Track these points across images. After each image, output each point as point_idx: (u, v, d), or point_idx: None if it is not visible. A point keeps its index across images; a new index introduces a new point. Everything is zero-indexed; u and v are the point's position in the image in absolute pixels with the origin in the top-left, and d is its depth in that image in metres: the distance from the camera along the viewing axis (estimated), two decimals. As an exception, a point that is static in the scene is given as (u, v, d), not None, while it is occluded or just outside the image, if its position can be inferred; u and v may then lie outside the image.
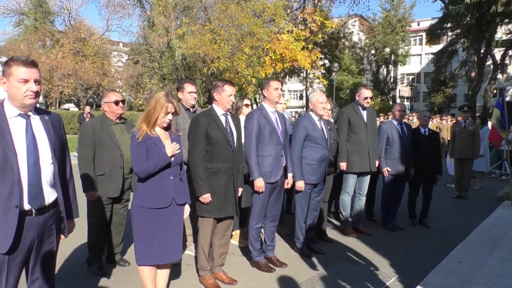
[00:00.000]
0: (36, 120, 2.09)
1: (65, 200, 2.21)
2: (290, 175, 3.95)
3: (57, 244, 2.23)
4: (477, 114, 12.98)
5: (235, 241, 4.62)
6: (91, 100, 36.70)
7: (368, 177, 5.13)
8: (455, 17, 26.58)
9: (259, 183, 3.62)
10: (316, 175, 4.17)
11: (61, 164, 2.18)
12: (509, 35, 27.92)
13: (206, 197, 3.24)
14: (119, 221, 3.79)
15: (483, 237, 4.53)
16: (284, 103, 5.35)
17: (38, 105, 2.16)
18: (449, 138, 9.70)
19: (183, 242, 3.84)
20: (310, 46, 22.88)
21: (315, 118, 4.23)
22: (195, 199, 3.29)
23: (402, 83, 47.94)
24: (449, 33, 31.88)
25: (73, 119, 20.66)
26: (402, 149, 5.28)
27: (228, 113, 3.46)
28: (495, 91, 29.92)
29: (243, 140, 3.67)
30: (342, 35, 28.91)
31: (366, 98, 4.95)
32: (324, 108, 4.23)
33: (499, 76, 33.01)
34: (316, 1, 24.43)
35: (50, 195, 2.10)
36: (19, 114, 2.02)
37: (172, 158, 2.78)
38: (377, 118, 10.44)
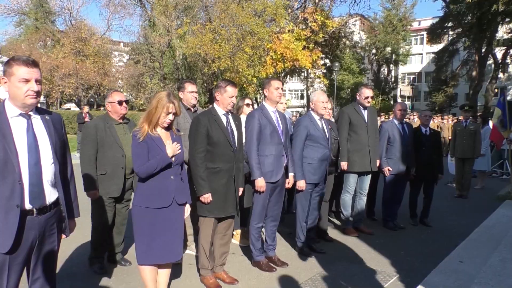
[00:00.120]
0: (37, 120, 2.09)
1: (66, 200, 2.22)
2: (291, 174, 3.95)
3: (58, 244, 2.23)
4: (478, 114, 12.95)
5: (236, 241, 4.62)
6: (92, 100, 36.72)
7: (369, 176, 5.13)
8: (456, 16, 26.57)
9: (260, 183, 3.62)
10: (317, 175, 4.17)
11: (62, 163, 2.18)
12: (510, 34, 27.87)
13: (207, 197, 3.24)
14: (120, 221, 3.80)
15: (484, 236, 4.52)
16: (285, 103, 5.35)
17: (39, 105, 2.16)
18: (450, 138, 9.69)
19: (184, 241, 3.84)
20: (311, 46, 22.88)
21: (316, 117, 4.23)
22: (196, 198, 3.29)
23: (403, 82, 47.90)
24: (450, 32, 31.88)
25: (74, 119, 20.67)
26: (403, 148, 5.28)
27: (229, 113, 3.46)
28: (496, 90, 29.89)
29: (244, 140, 3.67)
30: (343, 34, 28.89)
31: (367, 97, 4.95)
32: (325, 107, 4.22)
33: (500, 75, 32.96)
34: (317, 1, 24.42)
35: (51, 195, 2.10)
36: (20, 114, 2.02)
37: (173, 158, 2.78)
38: (378, 118, 10.45)
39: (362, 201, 5.18)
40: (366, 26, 40.35)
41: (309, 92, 29.53)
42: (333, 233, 5.06)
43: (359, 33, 37.87)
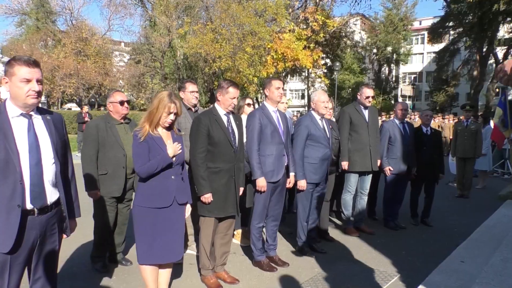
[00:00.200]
0: (38, 120, 2.09)
1: (67, 200, 2.22)
2: (292, 174, 3.95)
3: (59, 244, 2.23)
4: (479, 113, 12.93)
5: (237, 241, 4.62)
6: (93, 100, 36.75)
7: (370, 176, 5.12)
8: (457, 15, 26.55)
9: (261, 183, 3.62)
10: (318, 174, 4.16)
11: (63, 163, 2.18)
12: (511, 34, 27.82)
13: (207, 197, 3.24)
14: (122, 221, 3.80)
15: (485, 236, 4.51)
16: (286, 103, 5.34)
17: (40, 105, 2.16)
18: (451, 137, 9.68)
19: (185, 241, 3.84)
20: (311, 45, 22.88)
21: (317, 117, 4.23)
22: (197, 198, 3.29)
23: (404, 82, 47.85)
24: (451, 32, 31.83)
25: (75, 119, 20.70)
26: (404, 148, 5.27)
27: (230, 113, 3.45)
28: (497, 90, 29.81)
29: (244, 140, 3.67)
30: (343, 34, 28.86)
31: (368, 97, 4.94)
32: (326, 107, 4.22)
33: (502, 75, 32.80)
34: (317, 0, 24.41)
35: (52, 195, 2.10)
36: (21, 114, 2.02)
37: (174, 158, 2.78)
38: (379, 117, 10.44)
39: (363, 201, 5.18)
40: (367, 25, 40.32)
41: (310, 91, 29.56)
42: (334, 232, 5.05)
43: (360, 32, 37.86)
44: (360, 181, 5.08)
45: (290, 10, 23.79)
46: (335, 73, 25.78)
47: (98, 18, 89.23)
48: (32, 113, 2.06)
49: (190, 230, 4.26)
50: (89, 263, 3.78)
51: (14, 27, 36.90)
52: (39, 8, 34.83)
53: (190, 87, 4.19)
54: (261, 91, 22.63)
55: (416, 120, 15.44)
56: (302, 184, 4.03)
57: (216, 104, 3.44)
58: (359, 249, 4.52)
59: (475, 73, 28.48)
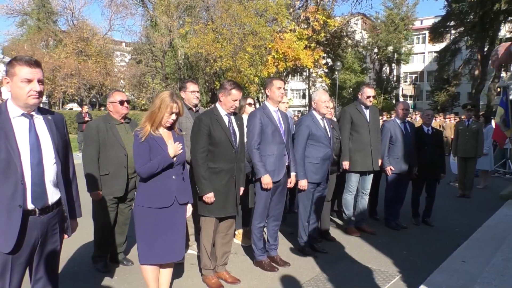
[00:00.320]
0: (39, 120, 2.09)
1: (68, 200, 2.22)
2: (293, 174, 3.94)
3: (61, 244, 2.23)
4: (481, 113, 12.92)
5: (238, 240, 4.62)
6: (94, 100, 36.78)
7: (371, 176, 5.12)
8: (458, 15, 26.53)
9: (266, 180, 3.61)
10: (319, 174, 4.16)
11: (64, 163, 2.18)
12: (512, 33, 27.81)
13: (209, 197, 3.24)
14: (123, 221, 3.80)
15: (487, 236, 4.51)
16: (287, 102, 5.34)
17: (41, 105, 2.16)
18: (452, 137, 9.66)
19: (186, 241, 3.85)
20: (312, 45, 22.88)
21: (318, 117, 4.23)
22: (199, 198, 3.29)
23: (405, 81, 47.79)
24: (452, 31, 31.80)
25: (76, 119, 20.77)
26: (405, 148, 5.27)
27: (232, 113, 3.44)
28: (498, 89, 29.75)
29: (245, 140, 3.67)
30: (344, 33, 28.86)
31: (369, 97, 4.94)
32: (327, 107, 4.22)
33: (503, 74, 32.89)
34: (318, 0, 24.39)
35: (53, 195, 2.10)
36: (22, 114, 2.02)
37: (175, 158, 2.78)
38: (380, 117, 10.42)
39: (364, 201, 5.18)
40: (368, 25, 40.31)
41: (311, 91, 29.53)
42: (335, 232, 5.05)
43: (361, 32, 37.85)
44: (361, 181, 5.08)
45: (291, 9, 23.80)
46: (336, 72, 25.75)
47: (99, 18, 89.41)
48: (33, 113, 2.06)
49: (191, 230, 4.26)
50: (91, 263, 3.78)
51: (16, 27, 36.95)
52: (40, 8, 34.85)
53: (191, 87, 4.19)
54: (262, 90, 22.66)
55: (417, 119, 15.42)
56: (303, 184, 4.03)
57: (217, 104, 3.44)
58: (360, 249, 4.51)
59: (476, 72, 28.45)
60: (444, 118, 17.53)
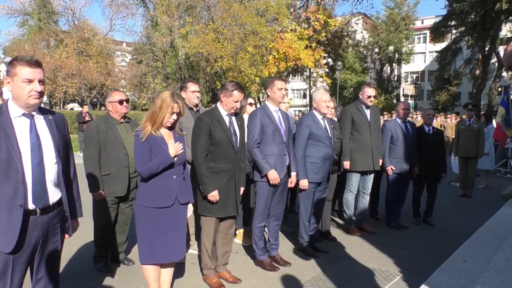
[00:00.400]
0: (40, 120, 2.09)
1: (69, 200, 2.22)
2: (293, 174, 3.94)
3: (62, 243, 2.24)
4: (482, 112, 12.90)
5: (239, 240, 4.62)
6: (95, 100, 36.81)
7: (372, 175, 5.12)
8: (459, 14, 26.49)
9: (273, 175, 3.61)
10: (320, 174, 4.16)
11: (65, 163, 2.19)
12: (514, 33, 27.77)
13: (214, 195, 3.23)
14: (124, 221, 3.80)
15: (488, 236, 4.50)
16: (288, 102, 5.34)
17: (42, 105, 2.16)
18: (453, 137, 9.66)
19: (187, 241, 3.85)
20: (313, 45, 22.86)
21: (319, 116, 4.22)
22: (202, 197, 3.29)
23: (406, 81, 47.74)
24: (453, 31, 31.75)
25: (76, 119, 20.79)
26: (406, 147, 5.26)
27: (233, 114, 3.44)
28: (499, 89, 29.76)
29: (246, 140, 3.67)
30: (345, 33, 28.85)
31: (369, 96, 4.93)
32: (327, 106, 4.22)
33: (504, 74, 32.80)
34: (319, 0, 24.37)
35: (54, 195, 2.10)
36: (23, 114, 2.02)
37: (175, 158, 2.78)
38: (381, 117, 10.43)
39: (365, 200, 5.17)
40: (368, 25, 40.24)
41: (311, 91, 29.51)
42: (336, 232, 5.05)
43: (361, 32, 37.79)
44: (362, 180, 5.07)
45: (292, 9, 23.79)
46: (337, 72, 25.74)
47: (100, 18, 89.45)
48: (34, 113, 2.06)
49: (192, 230, 4.26)
50: (91, 262, 3.79)
51: (16, 27, 37.08)
52: (41, 9, 34.90)
53: (192, 86, 4.19)
54: (263, 90, 22.66)
55: (418, 119, 15.41)
56: (304, 183, 4.03)
57: (218, 104, 3.43)
58: (361, 249, 4.51)
59: (477, 72, 28.41)
60: (445, 117, 17.53)
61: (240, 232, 4.68)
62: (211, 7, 23.59)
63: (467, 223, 5.61)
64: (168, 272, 2.99)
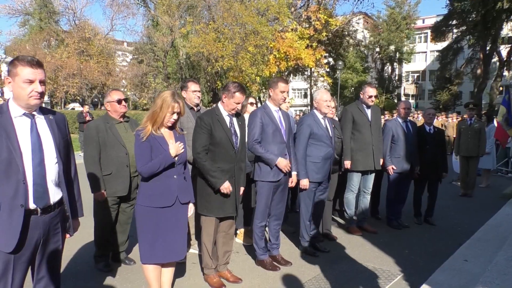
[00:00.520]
0: (40, 120, 2.09)
1: (70, 199, 2.22)
2: (294, 173, 3.94)
3: (63, 243, 2.24)
4: (483, 112, 12.90)
5: (239, 240, 4.62)
6: (95, 99, 36.85)
7: (373, 175, 5.11)
8: (460, 14, 26.45)
9: (283, 162, 3.64)
10: (321, 173, 4.16)
11: (65, 163, 2.19)
12: (515, 32, 27.72)
13: (226, 186, 3.23)
14: (125, 220, 3.80)
15: (489, 235, 4.50)
16: (288, 102, 5.34)
17: (43, 105, 2.16)
18: (454, 136, 9.65)
19: (188, 240, 3.85)
20: (314, 44, 22.85)
21: (320, 116, 4.22)
22: (198, 197, 3.29)
23: (407, 80, 47.67)
24: (455, 30, 31.72)
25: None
26: (407, 147, 5.26)
27: (234, 114, 3.44)
28: (501, 88, 29.71)
29: (246, 139, 3.66)
30: (346, 33, 28.83)
31: (370, 96, 4.93)
32: (328, 106, 4.21)
33: (505, 73, 32.77)
34: (320, -1, 24.38)
35: (55, 194, 2.10)
36: (24, 114, 2.02)
37: (176, 158, 2.78)
38: (382, 116, 10.44)
39: (366, 200, 5.17)
40: (369, 24, 40.21)
41: (312, 91, 29.51)
42: (337, 232, 5.04)
43: (362, 31, 37.77)
44: (362, 180, 5.07)
45: (293, 9, 23.78)
46: (337, 72, 25.74)
47: (100, 18, 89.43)
48: (34, 113, 2.06)
49: (193, 230, 4.26)
50: (92, 262, 3.79)
51: (18, 27, 37.10)
52: (42, 8, 34.94)
53: (193, 86, 4.19)
54: (264, 90, 22.67)
55: (419, 118, 15.40)
56: (304, 183, 4.03)
57: (219, 104, 3.43)
58: (362, 248, 4.51)
59: (478, 71, 28.37)
60: (446, 117, 17.51)
61: (241, 231, 4.68)
62: (212, 6, 23.59)
63: (468, 223, 5.61)
64: (169, 272, 3.00)
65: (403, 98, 40.65)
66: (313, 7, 23.96)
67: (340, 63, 25.00)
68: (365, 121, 4.93)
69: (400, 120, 5.40)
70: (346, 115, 4.98)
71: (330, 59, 30.62)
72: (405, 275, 3.73)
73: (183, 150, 2.83)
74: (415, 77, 48.23)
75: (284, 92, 3.77)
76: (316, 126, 4.14)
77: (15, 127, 1.98)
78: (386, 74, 42.50)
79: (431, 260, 4.10)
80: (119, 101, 3.60)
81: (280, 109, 3.89)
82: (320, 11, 22.86)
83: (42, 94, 2.01)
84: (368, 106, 4.98)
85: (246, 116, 4.10)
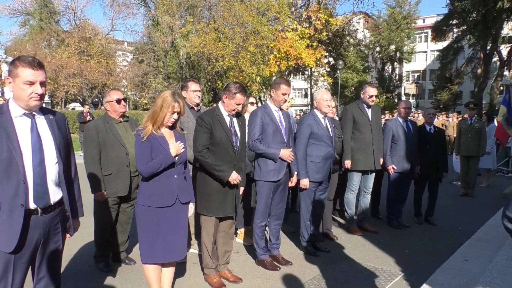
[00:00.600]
0: (41, 120, 2.09)
1: (70, 199, 2.22)
2: (294, 173, 3.94)
3: (63, 243, 2.24)
4: (484, 111, 12.88)
5: (240, 240, 4.62)
6: (96, 99, 36.85)
7: (373, 175, 5.11)
8: (460, 13, 26.45)
9: (286, 153, 3.66)
10: (321, 173, 4.16)
11: (66, 163, 2.18)
12: (515, 31, 27.71)
13: (235, 178, 3.25)
14: (125, 220, 3.80)
15: (489, 235, 4.49)
16: (289, 102, 5.34)
17: (44, 105, 2.16)
18: (455, 136, 9.64)
19: (188, 240, 3.85)
20: (314, 44, 22.84)
21: (320, 116, 4.22)
22: (198, 197, 3.29)
23: (408, 80, 47.66)
24: (455, 30, 31.72)
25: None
26: (407, 146, 5.26)
27: (234, 114, 3.44)
28: (501, 88, 29.66)
29: (247, 139, 3.66)
30: (346, 32, 28.81)
31: (371, 96, 4.93)
32: (328, 105, 4.21)
33: (506, 72, 32.74)
34: (320, -1, 24.37)
35: (55, 194, 2.10)
36: (24, 114, 2.02)
37: (176, 157, 2.78)
38: (382, 116, 10.43)
39: (366, 200, 5.17)
40: (370, 24, 40.19)
41: (312, 90, 29.51)
42: (337, 231, 5.04)
43: (363, 31, 37.76)
44: (363, 180, 5.07)
45: (293, 8, 23.77)
46: (338, 71, 25.75)
47: (101, 18, 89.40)
48: (35, 113, 2.06)
49: (193, 229, 4.26)
50: (93, 262, 3.79)
51: (18, 27, 37.08)
52: (43, 8, 34.96)
53: (193, 86, 4.18)
54: (264, 90, 22.67)
55: (419, 118, 15.39)
56: (305, 182, 4.03)
57: (220, 104, 3.43)
58: (363, 248, 4.51)
59: (479, 71, 28.37)
60: (447, 116, 17.51)
61: (241, 231, 4.68)
62: (212, 6, 23.61)
63: (469, 223, 5.60)
64: (169, 272, 3.00)
65: (403, 98, 40.64)
66: (314, 6, 23.95)
67: (341, 62, 25.00)
68: (365, 121, 4.93)
69: (400, 119, 5.39)
70: (347, 115, 4.98)
71: (331, 59, 30.62)
72: (406, 275, 3.73)
73: (183, 149, 2.83)
74: (416, 76, 48.24)
75: (285, 94, 3.77)
76: (316, 126, 4.14)
77: (15, 127, 1.97)
78: (386, 74, 42.49)
79: (431, 260, 4.10)
80: (118, 101, 3.59)
81: (280, 109, 3.88)
82: (321, 11, 22.85)
83: (42, 96, 2.01)
84: (369, 106, 4.98)
85: (247, 115, 4.10)
